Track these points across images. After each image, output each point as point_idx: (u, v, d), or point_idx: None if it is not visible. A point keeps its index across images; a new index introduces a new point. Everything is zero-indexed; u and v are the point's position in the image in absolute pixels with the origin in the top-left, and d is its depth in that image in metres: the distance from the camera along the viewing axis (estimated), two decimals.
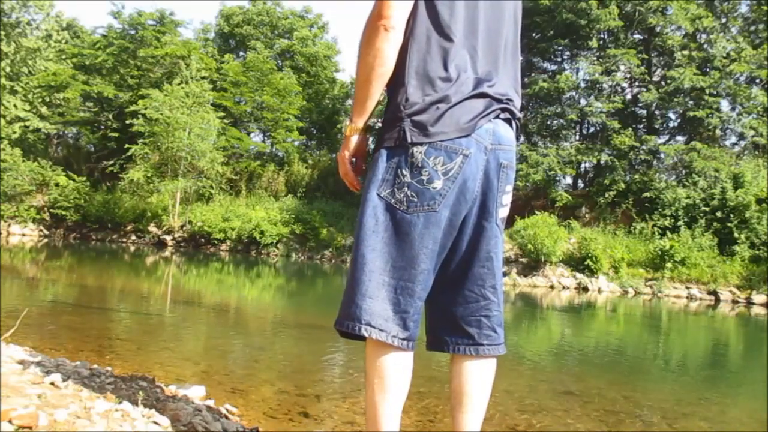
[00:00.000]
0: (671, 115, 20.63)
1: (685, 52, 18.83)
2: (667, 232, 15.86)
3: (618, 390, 3.91)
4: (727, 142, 20.16)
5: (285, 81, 22.93)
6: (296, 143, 24.71)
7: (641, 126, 20.81)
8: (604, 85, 20.14)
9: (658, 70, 20.83)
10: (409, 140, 1.41)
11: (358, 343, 1.50)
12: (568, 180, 20.92)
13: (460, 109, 1.42)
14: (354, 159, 1.55)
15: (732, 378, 5.12)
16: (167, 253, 15.85)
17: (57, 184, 19.80)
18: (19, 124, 22.78)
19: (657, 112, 20.36)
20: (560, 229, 15.62)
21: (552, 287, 14.41)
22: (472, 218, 1.50)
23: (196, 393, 2.64)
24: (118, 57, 22.43)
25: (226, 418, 2.30)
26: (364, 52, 1.43)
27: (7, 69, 23.63)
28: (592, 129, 21.24)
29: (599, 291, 14.13)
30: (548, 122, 20.44)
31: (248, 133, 24.30)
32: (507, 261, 14.93)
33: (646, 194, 17.40)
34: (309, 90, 25.46)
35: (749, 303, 13.27)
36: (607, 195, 17.96)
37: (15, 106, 22.86)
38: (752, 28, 19.83)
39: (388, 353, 1.41)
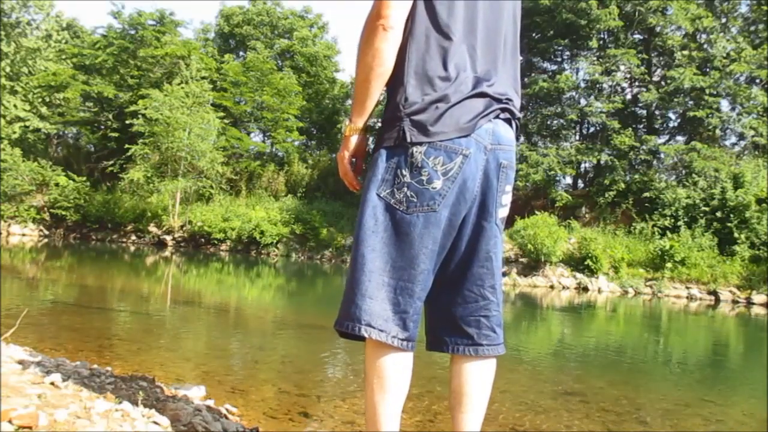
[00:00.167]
0: (671, 115, 20.65)
1: (685, 52, 18.83)
2: (667, 232, 15.86)
3: (618, 390, 3.91)
4: (727, 142, 20.18)
5: (285, 81, 22.93)
6: (296, 143, 24.72)
7: (641, 126, 20.81)
8: (604, 85, 20.15)
9: (658, 70, 20.84)
10: (408, 140, 1.41)
11: (358, 343, 1.50)
12: (568, 180, 20.94)
13: (459, 108, 1.42)
14: (354, 159, 1.55)
15: (732, 378, 5.12)
16: (167, 253, 15.85)
17: (57, 184, 19.80)
18: (19, 124, 22.78)
19: (657, 112, 20.37)
20: (560, 229, 15.62)
21: (552, 287, 14.41)
22: (472, 218, 1.50)
23: (196, 393, 2.64)
24: (118, 57, 22.43)
25: (226, 418, 2.30)
26: (363, 52, 1.43)
27: (7, 69, 23.63)
28: (592, 129, 21.24)
29: (599, 291, 14.13)
30: (548, 122, 20.44)
31: (248, 133, 24.30)
32: (507, 261, 14.93)
33: (646, 194, 17.41)
34: (309, 90, 25.47)
35: (749, 303, 13.27)
36: (607, 195, 17.96)
37: (15, 106, 22.86)
38: (752, 28, 19.83)
39: (388, 353, 1.41)
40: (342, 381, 3.61)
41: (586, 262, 14.78)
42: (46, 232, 19.85)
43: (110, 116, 22.26)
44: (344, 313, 1.44)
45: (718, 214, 15.74)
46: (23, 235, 19.15)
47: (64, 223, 19.89)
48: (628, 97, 20.87)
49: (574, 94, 20.32)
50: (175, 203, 18.99)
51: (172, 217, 18.92)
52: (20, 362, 2.34)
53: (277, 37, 27.50)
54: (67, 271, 9.91)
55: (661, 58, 20.73)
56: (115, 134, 21.52)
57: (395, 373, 1.41)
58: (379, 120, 1.54)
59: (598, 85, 20.04)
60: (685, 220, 16.24)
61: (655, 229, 16.25)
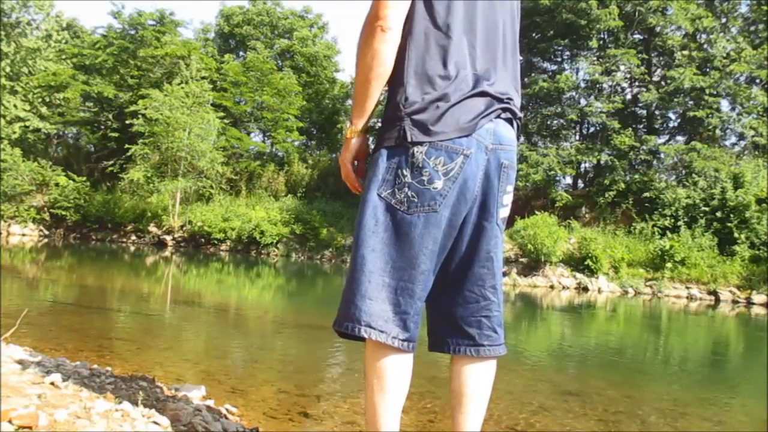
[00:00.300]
0: (671, 115, 20.66)
1: (685, 52, 18.83)
2: (667, 232, 15.87)
3: (618, 390, 3.91)
4: (727, 142, 20.18)
5: (285, 81, 22.93)
6: (296, 143, 24.72)
7: (641, 126, 20.81)
8: (604, 85, 20.15)
9: (658, 70, 20.84)
10: (409, 139, 1.40)
11: (357, 343, 1.50)
12: (568, 180, 20.94)
13: (460, 108, 1.42)
14: (356, 161, 1.55)
15: (732, 378, 5.12)
16: (167, 253, 15.85)
17: (57, 184, 19.81)
18: (19, 124, 22.79)
19: (657, 112, 20.37)
20: (560, 229, 15.62)
21: (552, 287, 14.41)
22: (473, 218, 1.49)
23: (196, 393, 2.64)
24: (118, 57, 22.43)
25: (226, 418, 2.30)
26: (362, 53, 1.43)
27: (7, 69, 23.63)
28: (592, 129, 21.24)
29: (599, 291, 14.13)
30: (548, 122, 20.44)
31: (248, 133, 24.30)
32: (507, 261, 14.93)
33: (646, 194, 17.41)
34: (309, 90, 25.47)
35: (749, 303, 13.27)
36: (607, 195, 17.96)
37: (15, 106, 22.87)
38: (752, 28, 19.83)
39: (388, 354, 1.41)
40: (342, 381, 3.61)
41: (586, 262, 14.78)
42: (46, 232, 19.85)
43: (110, 116, 22.26)
44: (343, 314, 1.43)
45: (718, 214, 15.74)
46: (23, 235, 19.15)
47: (64, 223, 19.89)
48: (628, 97, 20.88)
49: (574, 94, 20.32)
50: (175, 203, 18.99)
51: (172, 217, 18.92)
52: (20, 362, 2.34)
53: (277, 37, 27.50)
54: (67, 271, 9.91)
55: (661, 58, 20.73)
56: (115, 134, 21.53)
57: (395, 374, 1.41)
58: (380, 120, 1.54)
59: (598, 85, 20.04)
60: (685, 220, 16.24)
61: (655, 229, 16.25)
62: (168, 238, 18.82)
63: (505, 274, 14.19)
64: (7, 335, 2.90)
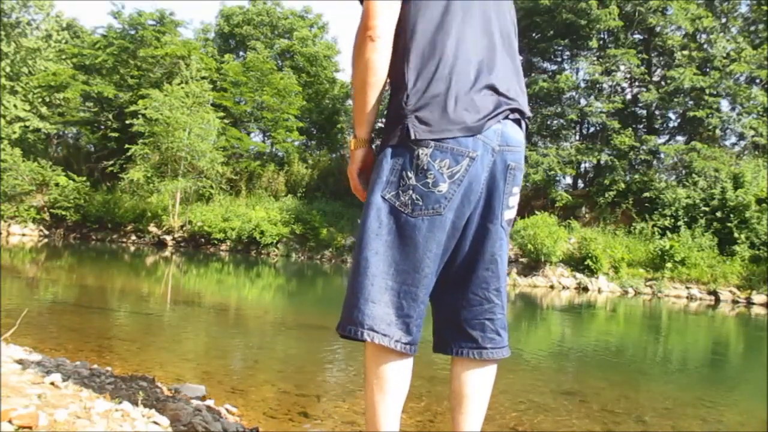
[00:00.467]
0: (671, 115, 20.65)
1: (685, 52, 18.83)
2: (667, 232, 15.87)
3: (618, 390, 3.91)
4: (727, 142, 20.18)
5: (285, 81, 22.92)
6: (296, 143, 24.71)
7: (641, 126, 20.81)
8: (604, 85, 20.14)
9: (658, 70, 20.84)
10: (413, 137, 1.39)
11: (358, 343, 1.50)
12: (568, 180, 20.94)
13: (465, 105, 1.40)
14: (363, 173, 1.54)
15: (732, 378, 5.12)
16: (167, 253, 15.85)
17: (57, 184, 19.80)
18: (19, 124, 22.79)
19: (657, 112, 20.37)
20: (560, 229, 15.62)
21: (552, 287, 14.41)
22: (477, 220, 1.48)
23: (196, 393, 2.64)
24: (118, 57, 22.43)
25: (226, 418, 2.30)
26: (356, 64, 1.44)
27: (7, 69, 23.63)
28: (592, 129, 21.24)
29: (599, 291, 14.13)
30: (548, 122, 20.43)
31: (248, 133, 24.29)
32: (508, 261, 14.90)
33: (646, 194, 17.41)
34: (309, 90, 25.46)
35: (749, 303, 13.27)
36: (607, 195, 17.96)
37: (15, 106, 22.86)
38: (752, 28, 19.83)
39: (389, 355, 1.41)
40: (342, 381, 3.61)
41: (586, 262, 14.78)
42: (46, 232, 19.85)
43: (110, 116, 22.26)
44: (347, 317, 1.43)
45: (718, 214, 15.74)
46: (23, 235, 19.15)
47: (64, 223, 19.89)
48: (628, 97, 20.87)
49: (574, 94, 20.32)
50: (175, 203, 18.98)
51: (172, 217, 18.92)
52: (20, 362, 2.34)
53: (277, 37, 27.50)
54: (67, 271, 9.91)
55: (661, 58, 20.73)
56: (115, 134, 21.52)
57: (395, 375, 1.41)
58: (383, 119, 1.53)
59: (598, 85, 20.03)
60: (685, 220, 16.24)
61: (655, 229, 16.25)
62: (168, 238, 18.82)
63: None
64: (7, 335, 2.90)
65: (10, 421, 1.54)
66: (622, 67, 19.82)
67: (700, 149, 17.51)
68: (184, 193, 19.33)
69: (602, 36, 20.31)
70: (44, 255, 13.03)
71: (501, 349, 1.54)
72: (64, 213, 19.55)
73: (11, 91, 23.31)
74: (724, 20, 19.73)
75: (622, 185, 18.07)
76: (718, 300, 13.61)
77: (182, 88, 19.68)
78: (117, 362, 3.35)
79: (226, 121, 21.01)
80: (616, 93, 20.45)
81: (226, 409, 2.49)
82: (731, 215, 15.50)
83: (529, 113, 1.55)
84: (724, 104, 18.71)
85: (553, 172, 18.66)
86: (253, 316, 6.55)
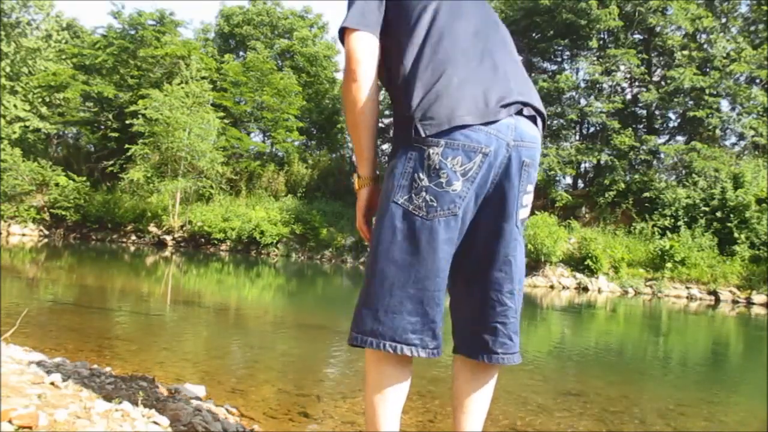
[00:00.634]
0: (671, 115, 20.66)
1: (685, 52, 18.83)
2: (667, 232, 15.87)
3: (618, 390, 3.91)
4: (727, 142, 20.19)
5: (285, 81, 22.93)
6: (296, 143, 24.71)
7: (641, 126, 20.82)
8: (604, 85, 20.15)
9: (658, 70, 20.84)
10: (422, 134, 1.36)
11: None
12: (568, 180, 20.94)
13: (470, 96, 1.38)
14: (369, 212, 1.53)
15: (732, 378, 5.12)
16: (167, 253, 15.85)
17: (57, 184, 19.81)
18: (19, 124, 22.79)
19: (657, 112, 20.37)
20: (560, 229, 15.62)
21: (552, 287, 14.41)
22: (491, 219, 1.44)
23: (196, 393, 2.64)
24: (118, 57, 22.43)
25: (226, 418, 2.30)
26: (345, 105, 1.45)
27: (7, 69, 23.63)
28: (592, 129, 21.24)
29: (599, 291, 14.13)
30: (548, 122, 20.42)
31: (248, 133, 24.30)
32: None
33: (646, 194, 17.41)
34: (309, 90, 25.47)
35: (749, 303, 13.27)
36: (607, 195, 17.96)
37: (15, 106, 22.87)
38: (752, 28, 19.83)
39: (390, 358, 1.40)
40: (342, 381, 3.61)
41: (586, 262, 14.78)
42: (46, 232, 19.85)
43: (110, 116, 22.26)
44: (363, 329, 1.38)
45: (718, 214, 15.74)
46: (23, 235, 19.15)
47: (64, 223, 19.89)
48: (628, 97, 20.88)
49: (574, 94, 20.32)
50: (175, 203, 18.99)
51: (172, 217, 18.92)
52: (20, 362, 2.34)
53: (277, 37, 27.50)
54: (67, 271, 9.90)
55: (661, 58, 20.73)
56: (115, 134, 21.53)
57: (396, 376, 1.41)
58: (391, 123, 1.53)
59: (598, 85, 20.04)
60: (685, 220, 16.24)
61: (655, 229, 16.25)
62: (168, 238, 18.82)
63: None
64: (7, 335, 2.90)
65: (10, 421, 1.54)
66: (622, 67, 19.83)
67: (700, 149, 17.52)
68: (184, 193, 19.33)
69: (602, 36, 20.32)
70: (44, 255, 13.03)
71: (512, 355, 1.50)
72: (64, 213, 19.55)
73: (11, 91, 23.31)
74: (724, 20, 19.74)
75: (622, 185, 18.08)
76: (718, 300, 13.61)
77: (182, 88, 19.68)
78: (117, 362, 3.35)
79: (226, 121, 21.02)
80: (616, 93, 20.45)
81: (226, 409, 2.49)
82: (731, 215, 15.50)
83: (543, 110, 1.51)
84: (724, 104, 18.73)
85: (553, 172, 18.67)
86: (253, 316, 6.55)
